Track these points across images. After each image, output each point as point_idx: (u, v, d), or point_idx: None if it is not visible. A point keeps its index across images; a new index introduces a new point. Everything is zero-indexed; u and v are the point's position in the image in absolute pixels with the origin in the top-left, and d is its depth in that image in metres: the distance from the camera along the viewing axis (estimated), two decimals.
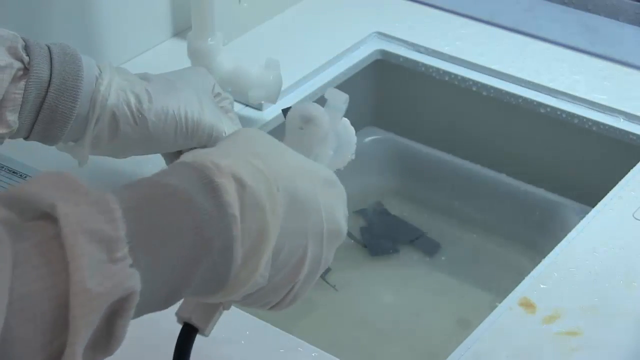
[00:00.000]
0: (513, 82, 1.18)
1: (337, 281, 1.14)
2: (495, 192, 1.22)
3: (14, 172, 0.99)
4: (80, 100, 0.82)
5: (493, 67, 1.19)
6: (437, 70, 1.21)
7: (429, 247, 1.20)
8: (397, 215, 1.24)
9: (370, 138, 1.29)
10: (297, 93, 1.16)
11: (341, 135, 0.76)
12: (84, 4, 1.12)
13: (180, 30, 1.25)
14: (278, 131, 1.03)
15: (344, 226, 0.66)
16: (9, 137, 0.82)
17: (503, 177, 1.22)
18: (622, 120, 1.12)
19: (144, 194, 0.55)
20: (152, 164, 0.97)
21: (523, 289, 0.89)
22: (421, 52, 1.23)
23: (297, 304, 0.66)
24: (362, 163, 1.26)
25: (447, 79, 1.21)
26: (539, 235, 1.18)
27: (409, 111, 1.27)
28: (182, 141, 0.87)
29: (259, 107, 1.13)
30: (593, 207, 0.99)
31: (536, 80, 1.17)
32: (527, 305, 0.87)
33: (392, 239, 1.21)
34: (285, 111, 0.75)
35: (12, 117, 0.80)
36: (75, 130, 0.84)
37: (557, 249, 0.94)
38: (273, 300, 0.64)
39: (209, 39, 1.06)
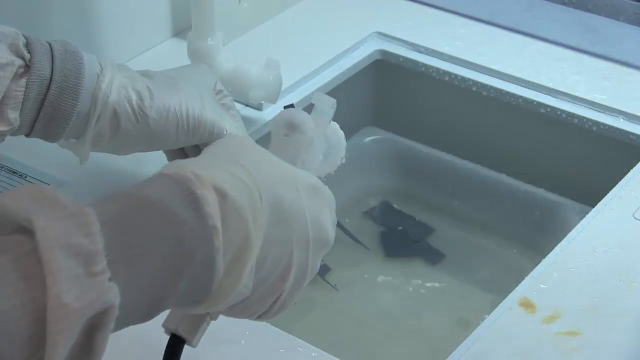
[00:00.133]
0: (513, 82, 1.18)
1: (337, 281, 1.14)
2: (495, 192, 1.22)
3: (14, 172, 0.99)
4: (81, 97, 0.82)
5: (493, 67, 1.19)
6: (437, 70, 1.21)
7: (433, 256, 1.19)
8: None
9: (370, 138, 1.29)
10: (297, 93, 1.16)
11: (330, 139, 0.76)
12: (84, 4, 1.12)
13: (180, 30, 1.24)
14: None
15: (331, 233, 0.65)
16: (10, 135, 0.82)
17: (503, 177, 1.22)
18: (622, 120, 1.12)
19: (123, 206, 0.55)
20: (153, 162, 0.97)
21: (523, 289, 0.89)
22: (421, 52, 1.23)
23: (285, 312, 0.65)
24: (362, 163, 1.26)
25: (447, 79, 1.21)
26: (539, 235, 1.18)
27: (409, 111, 1.27)
28: (183, 138, 0.87)
29: (259, 107, 1.13)
30: (593, 207, 0.99)
31: (536, 80, 1.17)
32: (527, 305, 0.86)
33: (408, 238, 1.20)
34: (287, 108, 0.75)
35: (13, 115, 0.80)
36: (76, 127, 0.84)
37: (557, 249, 0.93)
38: (259, 310, 0.64)
39: (209, 39, 1.06)
